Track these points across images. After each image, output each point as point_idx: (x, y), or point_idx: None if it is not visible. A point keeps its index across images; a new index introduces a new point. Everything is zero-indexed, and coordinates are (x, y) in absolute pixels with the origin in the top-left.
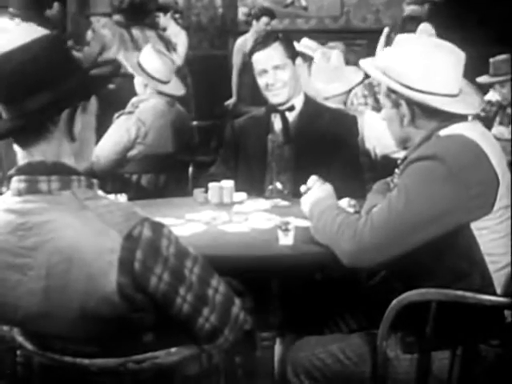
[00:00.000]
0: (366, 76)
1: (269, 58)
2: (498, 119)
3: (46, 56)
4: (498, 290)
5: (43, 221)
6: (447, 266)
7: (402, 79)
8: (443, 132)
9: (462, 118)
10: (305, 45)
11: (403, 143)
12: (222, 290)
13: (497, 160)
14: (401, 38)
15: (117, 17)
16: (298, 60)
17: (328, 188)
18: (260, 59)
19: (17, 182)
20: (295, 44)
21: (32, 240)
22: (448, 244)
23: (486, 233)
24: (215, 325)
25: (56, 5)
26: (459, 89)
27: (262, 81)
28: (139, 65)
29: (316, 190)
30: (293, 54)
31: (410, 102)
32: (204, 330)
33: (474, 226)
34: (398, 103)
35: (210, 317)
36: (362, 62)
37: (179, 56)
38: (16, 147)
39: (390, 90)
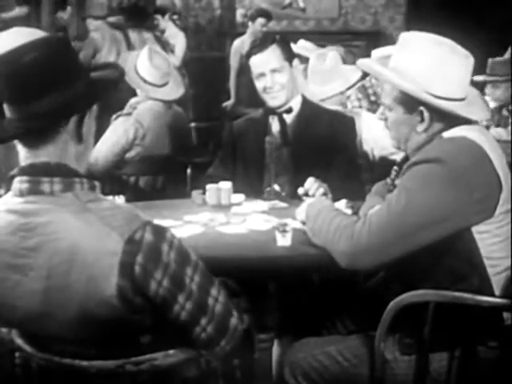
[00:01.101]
0: (362, 77)
1: (266, 62)
2: (495, 120)
3: (54, 57)
4: (497, 293)
5: (45, 222)
6: (446, 269)
7: (426, 87)
8: (446, 134)
9: (466, 120)
10: (302, 46)
11: (404, 145)
12: (222, 300)
13: (499, 163)
14: (409, 38)
15: (112, 18)
16: (295, 62)
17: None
18: (257, 62)
19: (19, 183)
20: (292, 46)
21: (33, 241)
22: (448, 247)
23: (487, 236)
24: (212, 335)
25: (69, 8)
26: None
27: (259, 84)
28: (135, 68)
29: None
30: (290, 56)
31: (430, 109)
32: (200, 338)
33: (474, 229)
34: (415, 109)
35: (207, 327)
36: (376, 66)
37: (177, 57)
38: (19, 148)
39: (406, 96)
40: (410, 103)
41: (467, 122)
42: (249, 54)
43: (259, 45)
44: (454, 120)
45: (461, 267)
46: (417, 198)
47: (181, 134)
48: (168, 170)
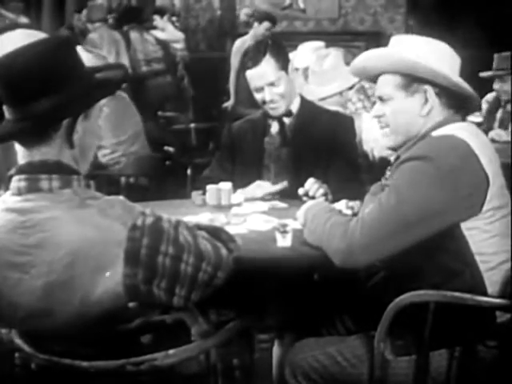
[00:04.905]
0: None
1: (262, 76)
2: (498, 118)
3: (53, 58)
4: (490, 290)
5: (45, 218)
6: (439, 266)
7: (443, 69)
8: (435, 133)
9: (459, 118)
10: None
11: (404, 136)
12: (207, 239)
13: (487, 161)
14: (400, 39)
15: (112, 19)
16: (290, 67)
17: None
18: (254, 77)
19: (17, 182)
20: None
21: (34, 237)
22: (439, 244)
23: (476, 233)
24: (212, 273)
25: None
26: None
27: (258, 96)
28: None
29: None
30: (285, 63)
31: (438, 91)
32: (204, 280)
33: (463, 226)
34: (419, 90)
35: (207, 268)
36: (381, 50)
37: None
38: (18, 147)
39: (409, 78)
40: (413, 85)
41: (458, 120)
42: (244, 67)
43: (253, 58)
44: (457, 105)
45: (453, 264)
46: (406, 196)
47: (129, 116)
48: (167, 170)
